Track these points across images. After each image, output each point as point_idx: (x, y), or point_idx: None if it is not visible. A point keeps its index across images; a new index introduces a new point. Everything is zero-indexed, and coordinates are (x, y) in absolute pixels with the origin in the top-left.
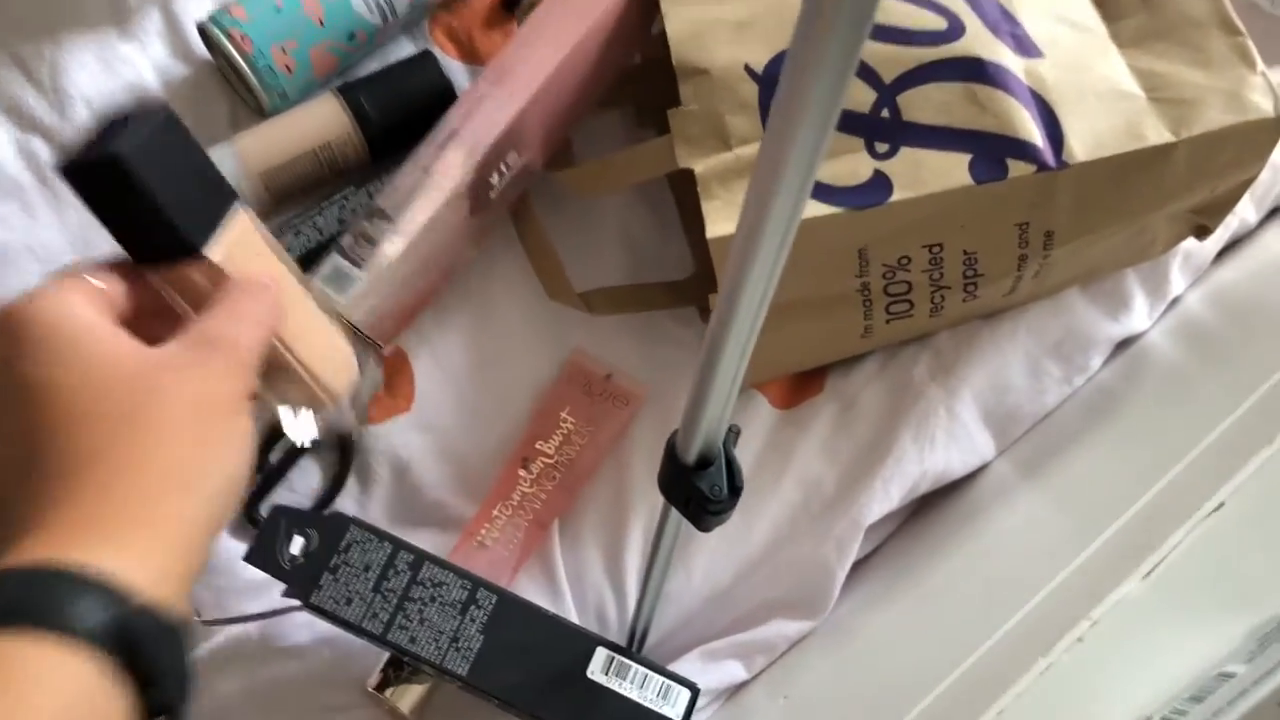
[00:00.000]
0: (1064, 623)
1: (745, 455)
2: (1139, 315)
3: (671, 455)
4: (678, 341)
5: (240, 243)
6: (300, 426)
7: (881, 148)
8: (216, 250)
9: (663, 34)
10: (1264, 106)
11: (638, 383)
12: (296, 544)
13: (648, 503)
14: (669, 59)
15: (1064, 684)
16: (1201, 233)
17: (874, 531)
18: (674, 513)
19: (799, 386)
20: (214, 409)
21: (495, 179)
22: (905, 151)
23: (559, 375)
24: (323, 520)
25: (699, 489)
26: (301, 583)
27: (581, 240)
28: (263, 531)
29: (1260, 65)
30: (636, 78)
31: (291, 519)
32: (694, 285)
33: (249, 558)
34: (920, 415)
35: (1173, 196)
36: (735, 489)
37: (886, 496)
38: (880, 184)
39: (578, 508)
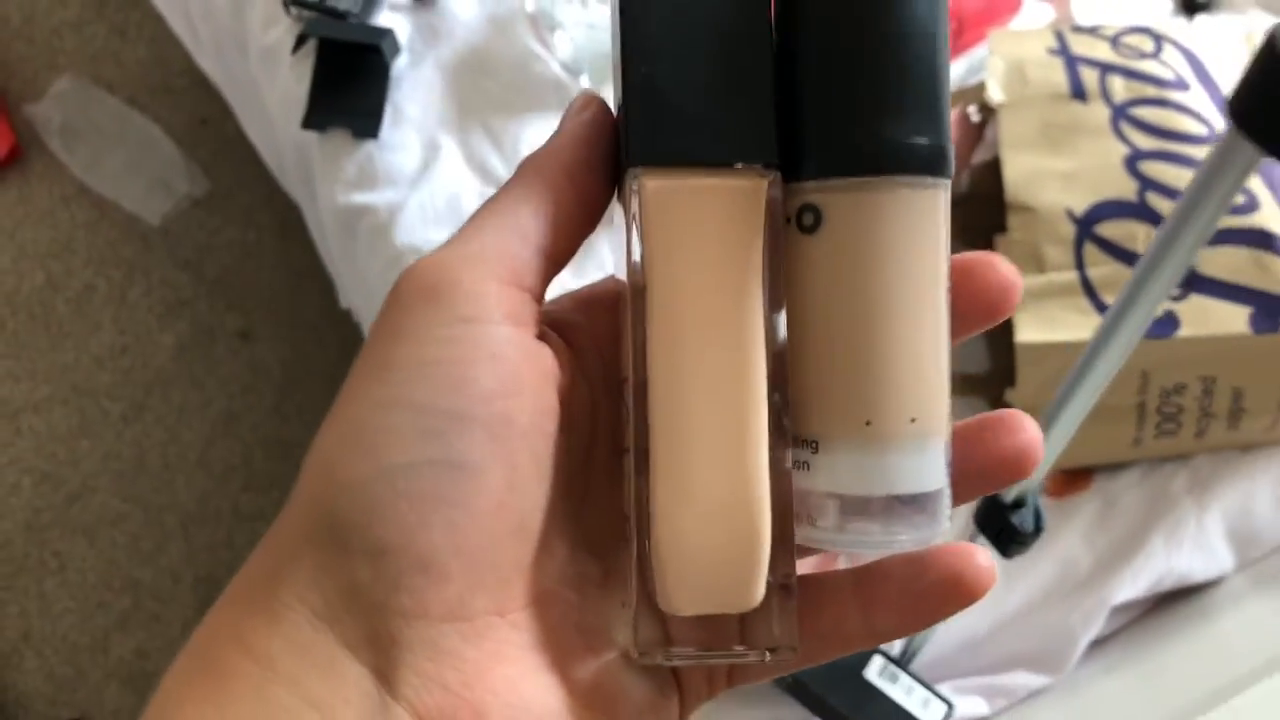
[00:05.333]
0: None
1: None
2: None
3: (992, 496)
4: None
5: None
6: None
7: (1175, 292)
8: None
9: (988, 170)
10: None
11: None
12: None
13: None
14: (989, 192)
15: None
16: None
17: (1117, 615)
18: None
19: (1070, 482)
20: None
21: None
22: (1195, 298)
23: None
24: None
25: (1011, 524)
26: None
27: None
28: None
29: None
30: (960, 203)
31: None
32: (986, 381)
33: None
34: (1173, 523)
35: None
36: (1039, 529)
37: (1133, 584)
38: (1170, 321)
39: None
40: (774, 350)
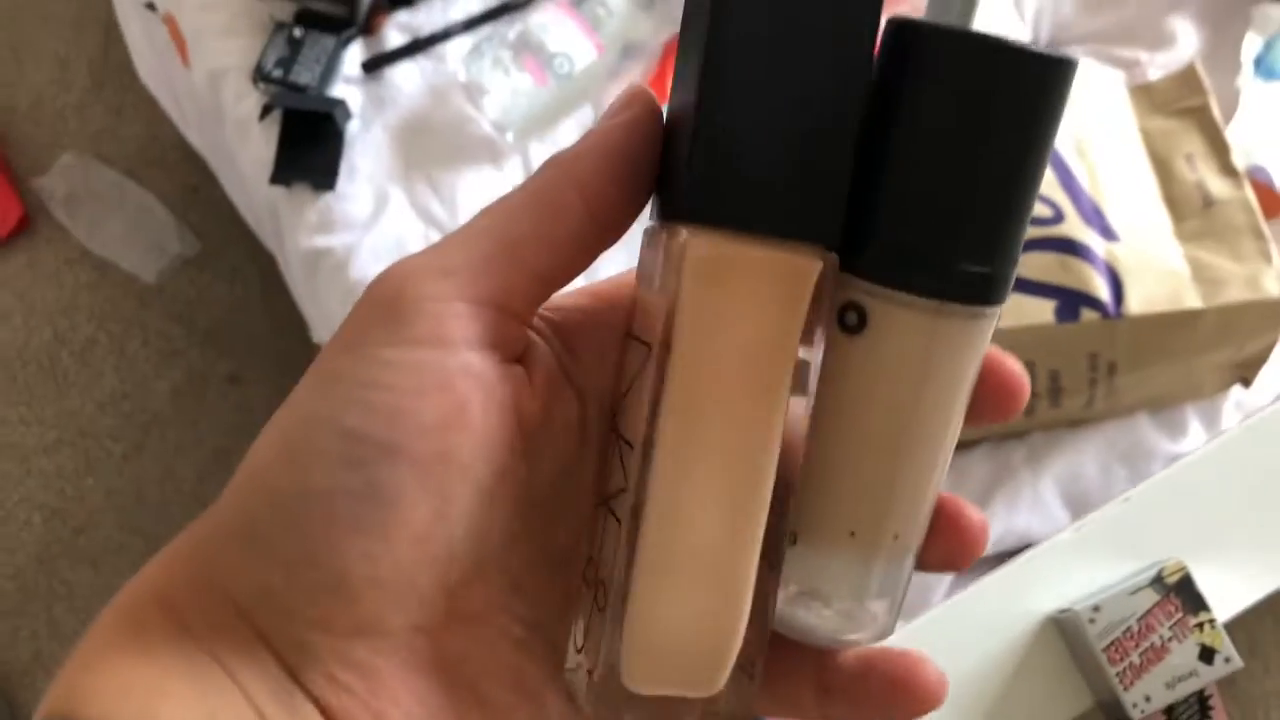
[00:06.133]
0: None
1: None
2: (1195, 441)
3: None
4: None
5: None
6: None
7: None
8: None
9: None
10: (1273, 290)
11: None
12: None
13: None
14: None
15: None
16: (1245, 383)
17: (974, 570)
18: None
19: None
20: None
21: None
22: (1011, 295)
23: None
24: None
25: None
26: None
27: None
28: None
29: (1276, 261)
30: None
31: None
32: None
33: None
34: (1012, 489)
35: (1207, 349)
36: None
37: None
38: None
39: None
40: (788, 445)
